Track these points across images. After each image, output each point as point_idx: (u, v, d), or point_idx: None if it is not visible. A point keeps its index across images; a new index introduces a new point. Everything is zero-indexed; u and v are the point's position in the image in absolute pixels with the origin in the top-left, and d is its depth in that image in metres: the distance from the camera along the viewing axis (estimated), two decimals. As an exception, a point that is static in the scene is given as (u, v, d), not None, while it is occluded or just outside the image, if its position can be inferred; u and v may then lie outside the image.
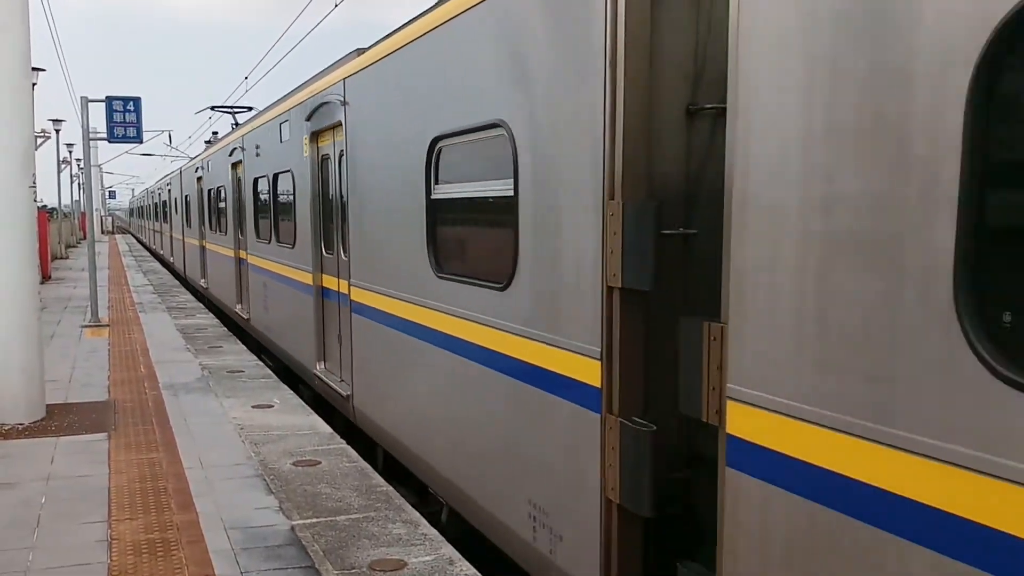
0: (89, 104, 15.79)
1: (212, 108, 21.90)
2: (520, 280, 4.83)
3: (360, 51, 8.12)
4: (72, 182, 64.07)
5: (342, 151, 8.51)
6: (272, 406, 9.30)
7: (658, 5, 3.85)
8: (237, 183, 15.05)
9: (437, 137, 5.95)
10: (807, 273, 2.89)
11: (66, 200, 60.69)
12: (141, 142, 17.12)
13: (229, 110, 21.04)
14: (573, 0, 4.18)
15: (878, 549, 2.64)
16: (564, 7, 4.31)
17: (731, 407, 3.24)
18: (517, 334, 4.88)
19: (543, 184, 4.56)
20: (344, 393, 8.53)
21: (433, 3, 6.09)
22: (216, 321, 16.51)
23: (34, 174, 8.56)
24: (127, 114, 16.31)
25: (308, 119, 9.60)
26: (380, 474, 7.17)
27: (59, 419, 8.66)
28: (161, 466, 7.14)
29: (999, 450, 2.26)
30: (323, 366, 9.66)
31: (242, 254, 14.82)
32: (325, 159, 9.42)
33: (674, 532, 4.01)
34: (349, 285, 8.30)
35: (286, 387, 10.33)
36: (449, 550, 5.38)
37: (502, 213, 5.06)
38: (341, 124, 8.45)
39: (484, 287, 5.28)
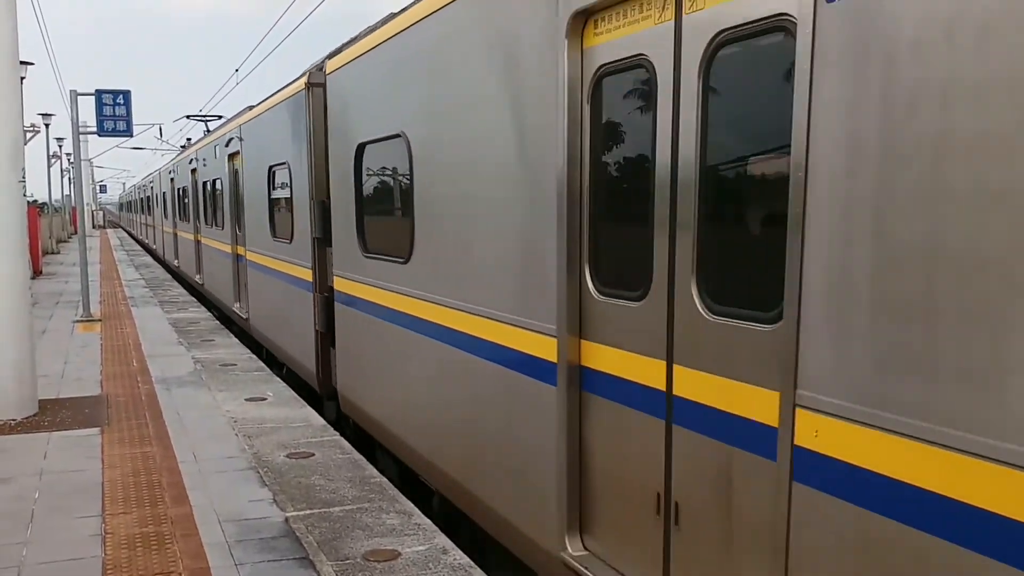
0: (78, 97, 15.72)
1: (188, 117, 26.90)
2: (295, 238, 10.20)
3: (250, 108, 13.47)
4: (62, 176, 63.75)
5: (243, 169, 13.94)
6: (265, 399, 9.31)
7: (327, 113, 8.75)
8: (195, 184, 20.02)
9: (271, 165, 11.43)
10: (339, 228, 8.39)
11: (56, 195, 60.42)
12: (131, 136, 17.06)
13: (202, 119, 26.09)
14: (299, 112, 9.56)
15: (363, 322, 7.78)
16: (297, 116, 9.70)
17: (335, 279, 8.56)
18: (292, 264, 10.39)
19: (299, 192, 9.88)
20: (244, 316, 14.24)
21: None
22: (209, 315, 16.51)
23: (23, 168, 8.53)
24: (117, 107, 16.24)
25: (226, 146, 15.00)
26: (264, 362, 11.81)
27: (52, 414, 8.66)
28: (155, 460, 7.14)
29: (359, 271, 7.80)
30: (238, 304, 15.08)
31: (199, 237, 20.29)
32: (236, 172, 14.50)
33: (333, 336, 8.98)
34: (245, 250, 13.90)
35: (279, 380, 10.35)
36: (443, 540, 5.41)
37: (288, 205, 10.53)
38: (239, 152, 13.91)
39: (284, 242, 10.84)
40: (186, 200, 21.99)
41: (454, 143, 5.65)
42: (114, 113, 16.22)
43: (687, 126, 3.50)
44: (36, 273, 25.14)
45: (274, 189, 11.39)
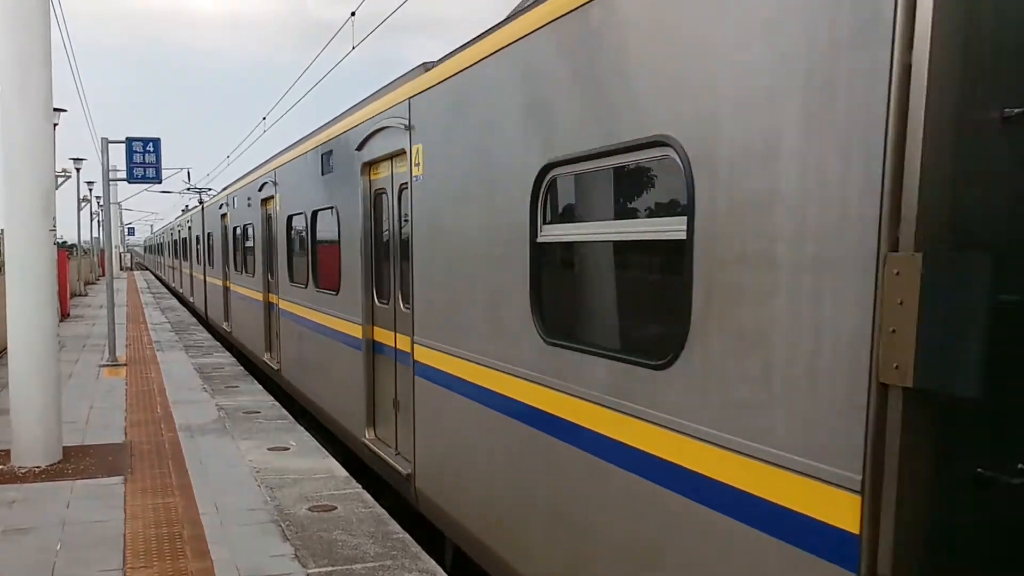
0: (109, 145, 15.97)
1: (189, 189, 38.76)
2: (203, 264, 26.60)
3: (201, 205, 27.44)
4: (92, 219, 64.74)
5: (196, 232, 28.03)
6: (288, 448, 9.26)
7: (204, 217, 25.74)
8: (186, 236, 34.13)
9: (196, 235, 28.78)
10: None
11: (85, 236, 61.24)
12: (160, 182, 17.25)
13: (199, 190, 36.88)
14: (199, 216, 27.87)
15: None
16: (199, 218, 27.88)
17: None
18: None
19: (200, 246, 27.88)
20: (189, 300, 30.98)
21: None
22: (233, 360, 16.55)
23: (54, 217, 8.60)
24: (147, 155, 16.46)
25: (189, 221, 32.06)
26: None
27: (76, 462, 8.65)
28: (177, 511, 7.09)
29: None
30: (195, 299, 28.73)
31: (182, 268, 35.78)
32: (196, 235, 28.56)
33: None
34: (192, 270, 30.69)
35: (302, 428, 10.30)
36: (467, 601, 5.30)
37: (205, 252, 25.80)
38: (191, 227, 30.61)
39: (205, 266, 25.92)
40: (178, 245, 39.98)
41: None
42: (144, 160, 16.44)
43: None
44: (64, 315, 25.38)
45: (198, 245, 26.72)
